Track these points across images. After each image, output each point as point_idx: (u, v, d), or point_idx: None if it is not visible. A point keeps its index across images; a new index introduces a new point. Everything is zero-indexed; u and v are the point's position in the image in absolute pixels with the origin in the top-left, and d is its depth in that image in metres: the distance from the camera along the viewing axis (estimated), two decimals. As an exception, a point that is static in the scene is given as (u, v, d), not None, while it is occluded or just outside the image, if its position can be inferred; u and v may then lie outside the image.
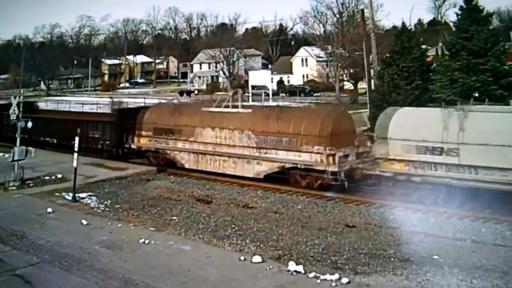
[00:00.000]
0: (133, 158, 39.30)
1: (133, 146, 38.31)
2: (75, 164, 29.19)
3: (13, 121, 33.44)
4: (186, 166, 34.82)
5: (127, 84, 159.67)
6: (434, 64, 43.38)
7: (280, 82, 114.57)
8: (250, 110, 34.06)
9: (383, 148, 26.99)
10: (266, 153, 31.09)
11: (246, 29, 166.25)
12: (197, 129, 34.41)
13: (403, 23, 46.91)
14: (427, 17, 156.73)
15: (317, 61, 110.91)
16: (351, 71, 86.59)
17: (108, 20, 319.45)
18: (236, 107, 34.27)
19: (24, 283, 17.72)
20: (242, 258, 19.38)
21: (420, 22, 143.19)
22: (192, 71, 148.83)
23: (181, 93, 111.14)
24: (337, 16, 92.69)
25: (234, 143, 32.56)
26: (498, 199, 24.14)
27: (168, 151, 36.01)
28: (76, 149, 29.32)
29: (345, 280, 17.07)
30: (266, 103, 53.50)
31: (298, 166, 30.04)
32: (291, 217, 24.90)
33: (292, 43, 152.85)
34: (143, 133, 37.33)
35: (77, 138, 29.61)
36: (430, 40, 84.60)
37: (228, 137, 32.88)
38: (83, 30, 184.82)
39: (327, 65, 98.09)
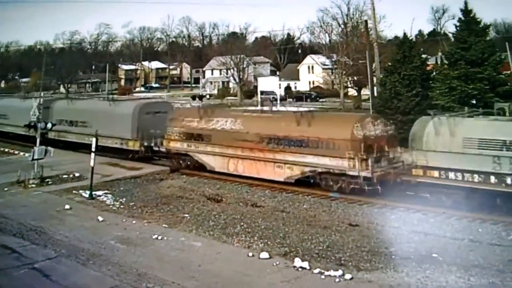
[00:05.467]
0: None
1: None
2: (92, 164, 29.19)
3: (34, 122, 33.47)
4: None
5: (142, 89, 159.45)
6: (434, 73, 43.26)
7: (288, 88, 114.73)
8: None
9: None
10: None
11: (256, 38, 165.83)
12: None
13: (404, 33, 46.81)
14: (427, 28, 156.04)
15: (323, 68, 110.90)
16: (355, 78, 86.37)
17: (129, 27, 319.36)
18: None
19: (42, 276, 17.69)
20: (250, 254, 19.34)
21: (420, 33, 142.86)
22: (204, 77, 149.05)
23: (193, 97, 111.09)
24: (342, 26, 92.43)
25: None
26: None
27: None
28: (93, 149, 29.33)
29: (348, 276, 17.01)
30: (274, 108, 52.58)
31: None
32: (297, 215, 24.84)
33: (299, 51, 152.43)
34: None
35: (94, 139, 29.69)
36: (430, 50, 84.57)
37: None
38: (101, 37, 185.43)
39: (332, 73, 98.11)
